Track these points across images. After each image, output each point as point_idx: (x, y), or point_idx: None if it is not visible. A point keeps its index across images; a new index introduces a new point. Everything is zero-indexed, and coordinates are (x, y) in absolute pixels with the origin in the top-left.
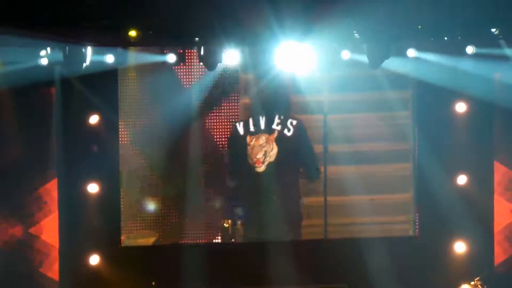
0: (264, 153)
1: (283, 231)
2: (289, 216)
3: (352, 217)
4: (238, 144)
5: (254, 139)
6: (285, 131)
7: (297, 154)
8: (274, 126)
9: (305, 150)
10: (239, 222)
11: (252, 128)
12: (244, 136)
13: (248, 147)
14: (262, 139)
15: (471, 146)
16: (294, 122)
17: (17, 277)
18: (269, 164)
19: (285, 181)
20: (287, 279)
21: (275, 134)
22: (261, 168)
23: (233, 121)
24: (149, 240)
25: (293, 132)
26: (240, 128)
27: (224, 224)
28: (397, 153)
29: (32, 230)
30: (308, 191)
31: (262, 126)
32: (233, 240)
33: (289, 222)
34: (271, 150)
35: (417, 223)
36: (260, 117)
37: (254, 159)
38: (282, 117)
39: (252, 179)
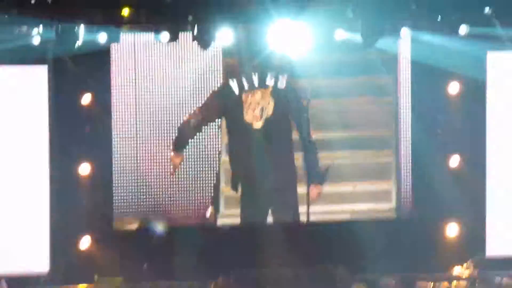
0: (261, 108)
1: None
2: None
3: (336, 204)
4: (232, 103)
5: (250, 96)
6: (279, 84)
7: (291, 105)
8: (267, 82)
9: (297, 104)
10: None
11: (246, 86)
12: (240, 95)
13: (245, 105)
14: (258, 94)
15: (464, 127)
16: (285, 75)
17: None
18: (267, 118)
19: (282, 135)
20: (281, 261)
21: (270, 88)
22: (259, 124)
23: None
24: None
25: (285, 84)
26: (234, 85)
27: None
28: (381, 139)
29: None
30: None
31: (256, 82)
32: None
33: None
34: (268, 104)
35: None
36: (253, 74)
37: (252, 116)
38: (273, 72)
39: (249, 137)
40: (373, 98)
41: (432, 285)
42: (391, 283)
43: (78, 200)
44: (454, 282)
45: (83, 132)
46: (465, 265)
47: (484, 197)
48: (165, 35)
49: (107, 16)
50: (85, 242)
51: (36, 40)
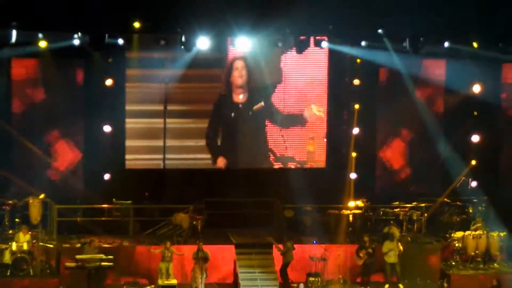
0: None
1: None
2: None
3: None
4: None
5: None
6: None
7: None
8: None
9: None
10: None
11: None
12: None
13: None
14: None
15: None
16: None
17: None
18: None
19: None
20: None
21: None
22: None
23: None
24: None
25: None
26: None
27: None
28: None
29: None
30: None
31: None
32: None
33: None
34: None
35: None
36: None
37: None
38: None
39: None
40: None
41: (337, 212)
42: (310, 209)
43: (103, 149)
44: (353, 211)
45: (107, 103)
46: (360, 200)
47: (375, 156)
48: (162, 42)
49: (124, 28)
50: (106, 176)
51: (76, 42)
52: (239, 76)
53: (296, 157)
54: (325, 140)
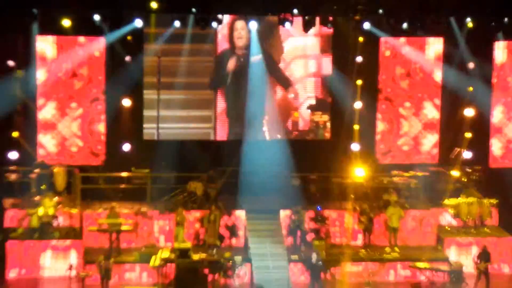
0: None
1: None
2: None
3: None
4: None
5: None
6: None
7: None
8: None
9: None
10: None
11: None
12: None
13: None
14: None
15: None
16: None
17: None
18: None
19: None
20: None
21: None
22: None
23: None
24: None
25: None
26: None
27: None
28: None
29: None
30: None
31: None
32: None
33: None
34: None
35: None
36: None
37: None
38: None
39: None
40: None
41: (340, 180)
42: (315, 178)
43: (123, 122)
44: (355, 179)
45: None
46: (362, 168)
47: (374, 128)
48: (177, 22)
49: (141, 8)
50: (126, 147)
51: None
52: (238, 37)
53: (284, 124)
54: (308, 110)
